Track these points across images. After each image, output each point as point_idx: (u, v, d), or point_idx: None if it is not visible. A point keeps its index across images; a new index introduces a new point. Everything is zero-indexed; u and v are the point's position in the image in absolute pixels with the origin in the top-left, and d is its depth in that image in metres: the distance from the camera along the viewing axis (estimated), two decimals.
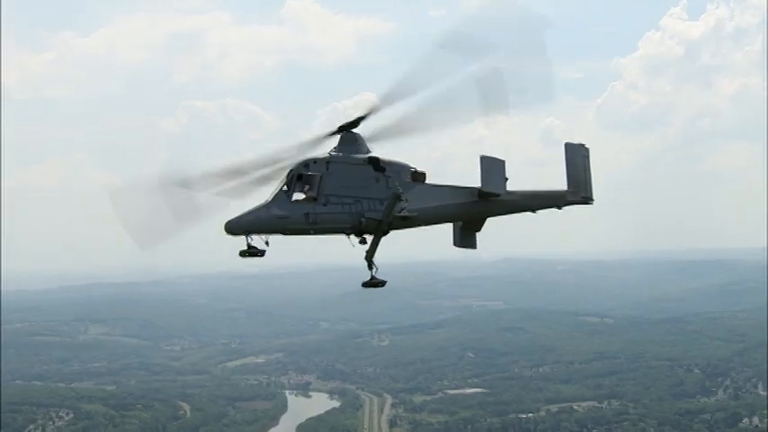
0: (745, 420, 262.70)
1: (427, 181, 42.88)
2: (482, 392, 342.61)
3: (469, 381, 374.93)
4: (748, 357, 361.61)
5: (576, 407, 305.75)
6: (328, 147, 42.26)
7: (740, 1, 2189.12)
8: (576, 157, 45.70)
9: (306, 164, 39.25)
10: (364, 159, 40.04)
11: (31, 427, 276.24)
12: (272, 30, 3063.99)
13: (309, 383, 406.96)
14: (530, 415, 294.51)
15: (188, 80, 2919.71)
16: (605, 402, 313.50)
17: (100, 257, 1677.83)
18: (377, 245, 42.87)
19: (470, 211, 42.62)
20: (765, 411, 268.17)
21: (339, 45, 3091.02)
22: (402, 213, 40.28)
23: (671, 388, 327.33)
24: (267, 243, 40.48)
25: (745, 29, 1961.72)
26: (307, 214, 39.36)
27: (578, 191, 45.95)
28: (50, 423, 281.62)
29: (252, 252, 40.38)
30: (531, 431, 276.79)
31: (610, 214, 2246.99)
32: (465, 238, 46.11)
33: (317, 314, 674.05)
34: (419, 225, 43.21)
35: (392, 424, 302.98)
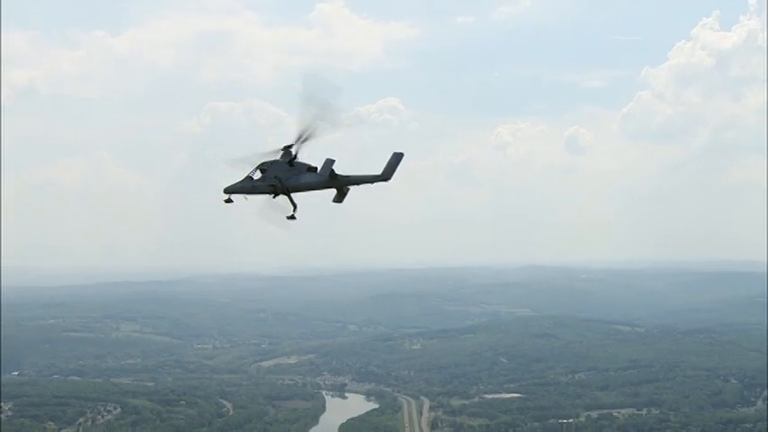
0: None
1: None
2: (520, 398, 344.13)
3: (505, 386, 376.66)
4: None
5: (615, 414, 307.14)
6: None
7: None
8: (395, 159, 66.52)
9: (263, 163, 67.18)
10: (286, 161, 66.77)
11: (81, 420, 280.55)
12: (300, 32, 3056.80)
13: (345, 385, 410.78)
14: (570, 420, 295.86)
15: (214, 80, 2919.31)
16: (645, 410, 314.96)
17: (120, 256, 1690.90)
18: (290, 197, 67.06)
19: (326, 184, 66.47)
20: None
21: (366, 50, 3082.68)
22: (273, 182, 66.50)
23: (710, 397, 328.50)
24: (246, 198, 68.23)
25: None
26: (253, 186, 67.52)
27: (385, 175, 65.87)
28: (99, 417, 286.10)
29: (228, 201, 68.45)
30: None
31: (632, 224, 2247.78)
32: (337, 198, 67.63)
33: (345, 317, 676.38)
34: (302, 190, 67.05)
35: (433, 426, 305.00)
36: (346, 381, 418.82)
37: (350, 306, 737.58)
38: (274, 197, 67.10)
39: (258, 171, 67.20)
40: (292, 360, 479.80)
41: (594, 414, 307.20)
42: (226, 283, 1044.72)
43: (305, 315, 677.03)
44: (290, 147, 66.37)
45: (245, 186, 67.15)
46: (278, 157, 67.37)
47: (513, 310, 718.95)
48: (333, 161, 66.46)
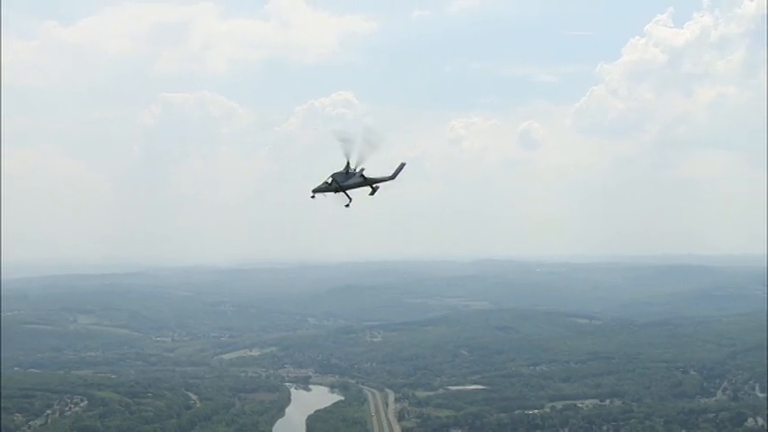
0: (750, 420, 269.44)
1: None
2: (484, 389, 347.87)
3: (469, 378, 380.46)
4: (741, 360, 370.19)
5: (579, 404, 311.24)
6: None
7: (726, 10, 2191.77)
8: (400, 167, 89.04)
9: (334, 174, 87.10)
10: (344, 170, 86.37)
11: (49, 412, 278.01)
12: (256, 24, 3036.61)
13: (309, 377, 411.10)
14: (536, 411, 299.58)
15: (169, 72, 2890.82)
16: (608, 401, 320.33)
17: (74, 248, 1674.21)
18: (346, 193, 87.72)
19: (362, 183, 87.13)
20: None
21: (322, 43, 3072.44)
22: (329, 182, 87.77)
23: (671, 388, 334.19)
24: (325, 196, 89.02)
25: (729, 38, 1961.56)
26: (327, 187, 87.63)
27: (392, 177, 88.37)
28: (67, 409, 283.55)
29: (312, 197, 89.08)
30: (539, 427, 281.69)
31: (585, 218, 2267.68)
32: (371, 192, 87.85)
33: (304, 309, 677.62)
34: (350, 188, 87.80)
35: (400, 417, 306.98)
36: (310, 373, 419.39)
37: (308, 299, 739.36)
38: (336, 193, 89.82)
39: (330, 178, 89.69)
40: (254, 352, 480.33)
41: (559, 405, 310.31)
42: (183, 276, 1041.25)
43: (264, 308, 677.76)
44: (348, 163, 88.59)
45: (321, 187, 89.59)
46: (342, 169, 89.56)
47: (470, 303, 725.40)
48: (363, 169, 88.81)
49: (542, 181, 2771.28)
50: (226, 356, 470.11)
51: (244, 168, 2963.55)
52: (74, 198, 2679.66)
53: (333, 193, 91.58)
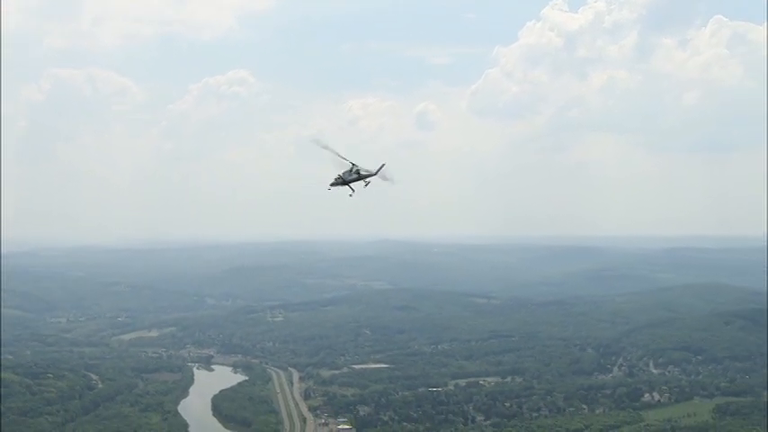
0: (647, 396, 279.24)
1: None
2: (388, 368, 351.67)
3: (372, 356, 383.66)
4: (635, 338, 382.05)
5: (482, 382, 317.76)
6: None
7: None
8: (382, 167, 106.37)
9: (342, 173, 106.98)
10: (350, 168, 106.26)
11: None
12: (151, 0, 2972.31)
13: (211, 357, 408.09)
14: (440, 389, 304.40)
15: (60, 46, 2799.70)
16: (509, 378, 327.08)
17: None
18: (350, 186, 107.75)
19: (358, 178, 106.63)
20: (664, 387, 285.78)
21: (218, 20, 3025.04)
22: (341, 180, 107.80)
23: (569, 365, 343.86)
24: (337, 187, 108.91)
25: (622, 24, 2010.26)
26: (336, 181, 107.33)
27: (376, 173, 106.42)
28: None
29: (329, 189, 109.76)
30: (444, 403, 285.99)
31: (480, 200, 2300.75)
32: (365, 185, 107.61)
33: (201, 290, 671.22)
34: (353, 182, 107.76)
35: (306, 396, 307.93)
36: (212, 353, 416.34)
37: (205, 279, 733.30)
38: (342, 185, 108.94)
39: (339, 175, 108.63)
40: (153, 333, 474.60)
41: (462, 382, 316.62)
42: (75, 256, 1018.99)
43: (160, 288, 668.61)
44: (354, 164, 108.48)
45: (334, 182, 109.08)
46: (349, 167, 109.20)
47: (369, 283, 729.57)
48: (359, 168, 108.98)
49: (438, 162, 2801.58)
50: (124, 337, 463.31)
51: (137, 146, 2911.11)
52: None
53: (340, 186, 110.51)
